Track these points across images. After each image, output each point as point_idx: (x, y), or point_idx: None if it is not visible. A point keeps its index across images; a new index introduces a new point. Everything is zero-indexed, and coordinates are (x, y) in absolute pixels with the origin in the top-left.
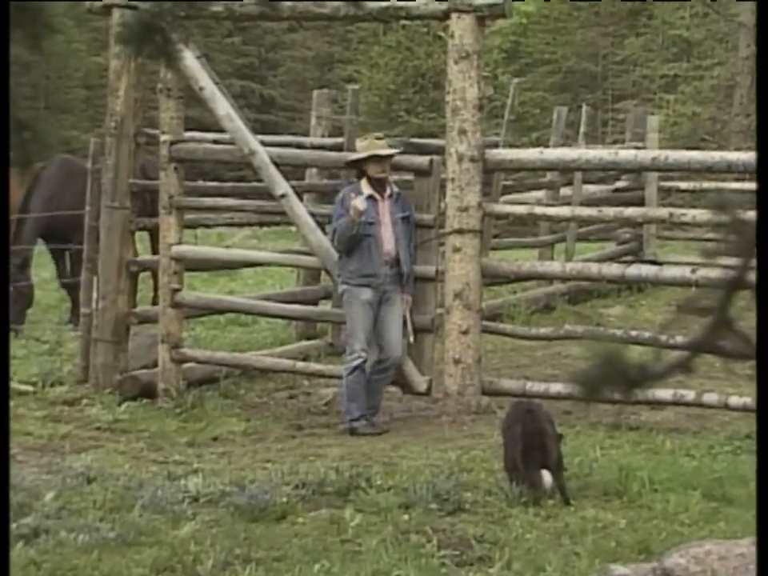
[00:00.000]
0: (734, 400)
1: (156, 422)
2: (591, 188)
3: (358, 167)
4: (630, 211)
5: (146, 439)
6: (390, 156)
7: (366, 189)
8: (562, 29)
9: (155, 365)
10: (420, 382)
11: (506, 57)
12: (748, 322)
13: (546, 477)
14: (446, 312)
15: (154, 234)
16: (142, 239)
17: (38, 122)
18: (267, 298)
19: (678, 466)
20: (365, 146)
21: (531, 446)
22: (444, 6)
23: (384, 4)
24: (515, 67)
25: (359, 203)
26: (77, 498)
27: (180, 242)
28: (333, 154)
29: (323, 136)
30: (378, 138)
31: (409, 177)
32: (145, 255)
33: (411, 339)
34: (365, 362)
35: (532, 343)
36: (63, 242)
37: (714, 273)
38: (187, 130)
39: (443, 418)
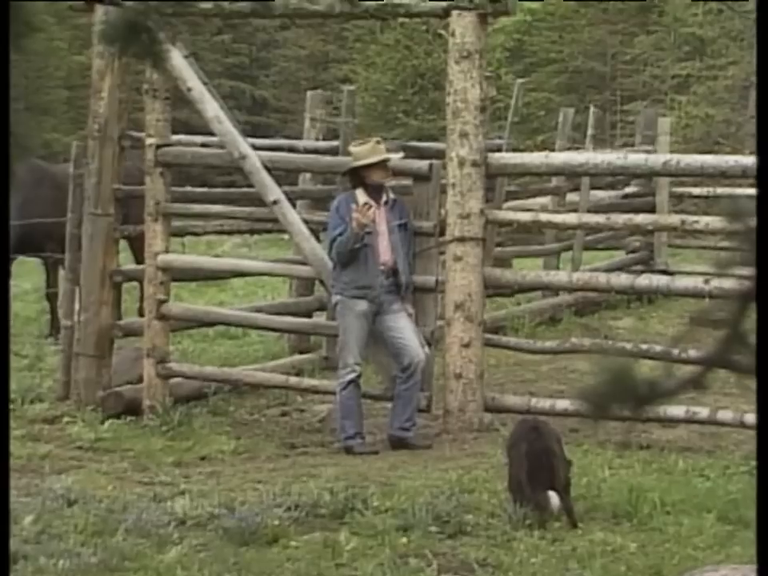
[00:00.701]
0: (750, 417)
1: (141, 441)
2: (599, 194)
3: (357, 174)
4: (640, 218)
5: (130, 459)
6: (387, 162)
7: (362, 196)
8: (568, 26)
9: (140, 380)
10: (419, 399)
11: (510, 56)
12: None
13: (553, 498)
14: (447, 324)
15: (135, 242)
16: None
17: (17, 125)
18: (258, 310)
19: (692, 487)
20: (367, 151)
21: (537, 465)
22: (444, 2)
23: (381, 1)
24: (519, 67)
25: (363, 216)
26: (57, 522)
27: (167, 251)
28: (327, 158)
29: (317, 139)
30: (378, 143)
31: (407, 182)
32: (129, 265)
33: (426, 350)
34: (359, 376)
35: (537, 357)
36: (36, 252)
37: (728, 283)
38: (174, 132)
39: (444, 436)
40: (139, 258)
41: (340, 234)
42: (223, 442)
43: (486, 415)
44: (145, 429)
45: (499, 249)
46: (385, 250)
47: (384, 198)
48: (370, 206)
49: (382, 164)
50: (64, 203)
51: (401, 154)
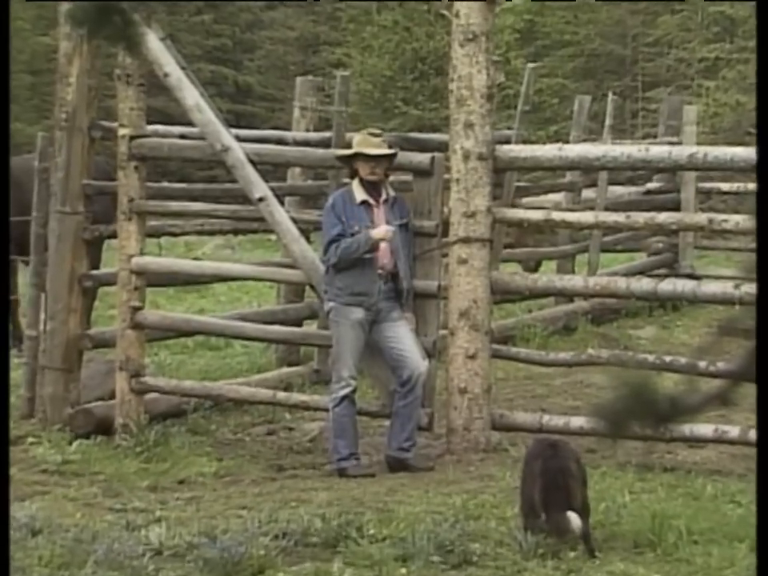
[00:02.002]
0: None
1: (113, 464)
2: (618, 190)
3: (350, 165)
4: (664, 217)
5: (100, 483)
6: (386, 156)
7: (359, 192)
8: (584, 5)
9: (112, 396)
10: (420, 416)
11: (520, 38)
12: None
13: (574, 519)
14: (450, 334)
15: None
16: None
17: None
18: (243, 318)
19: (721, 514)
20: (358, 141)
21: (553, 485)
22: None
23: None
24: (530, 50)
25: (384, 233)
26: (20, 554)
27: (141, 253)
28: (319, 151)
29: (308, 130)
30: (374, 135)
31: (407, 177)
32: (106, 268)
33: (427, 362)
34: (354, 391)
35: (549, 370)
36: None
37: None
38: (149, 122)
39: (447, 457)
40: (96, 262)
41: (339, 236)
42: (204, 463)
43: (494, 434)
44: (117, 450)
45: (508, 251)
46: (383, 252)
47: (383, 196)
48: (394, 231)
49: (364, 157)
50: (24, 200)
51: (392, 150)
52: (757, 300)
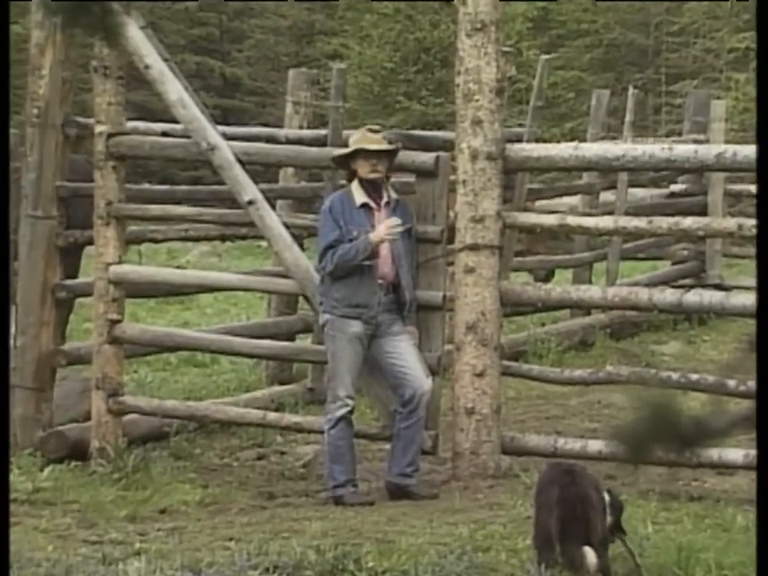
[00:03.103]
0: None
1: (88, 491)
2: (640, 193)
3: (348, 166)
4: (689, 222)
5: (74, 513)
6: (388, 153)
7: (359, 194)
8: None
9: (88, 418)
10: (423, 438)
11: (533, 27)
12: None
13: (589, 555)
14: (457, 349)
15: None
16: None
17: None
18: (231, 332)
19: (754, 547)
20: (356, 138)
21: (570, 515)
22: None
23: None
24: (544, 40)
25: (384, 233)
26: None
27: (120, 261)
28: (314, 150)
29: (301, 127)
30: (373, 131)
31: (409, 179)
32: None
33: (432, 380)
34: (351, 411)
35: (565, 389)
36: None
37: None
38: (129, 118)
39: (453, 484)
40: (74, 271)
41: (336, 241)
42: (187, 491)
43: (504, 458)
44: (93, 476)
45: (519, 259)
46: (384, 260)
47: (385, 198)
48: (397, 223)
49: (365, 154)
50: None
51: (394, 146)
52: (757, 302)
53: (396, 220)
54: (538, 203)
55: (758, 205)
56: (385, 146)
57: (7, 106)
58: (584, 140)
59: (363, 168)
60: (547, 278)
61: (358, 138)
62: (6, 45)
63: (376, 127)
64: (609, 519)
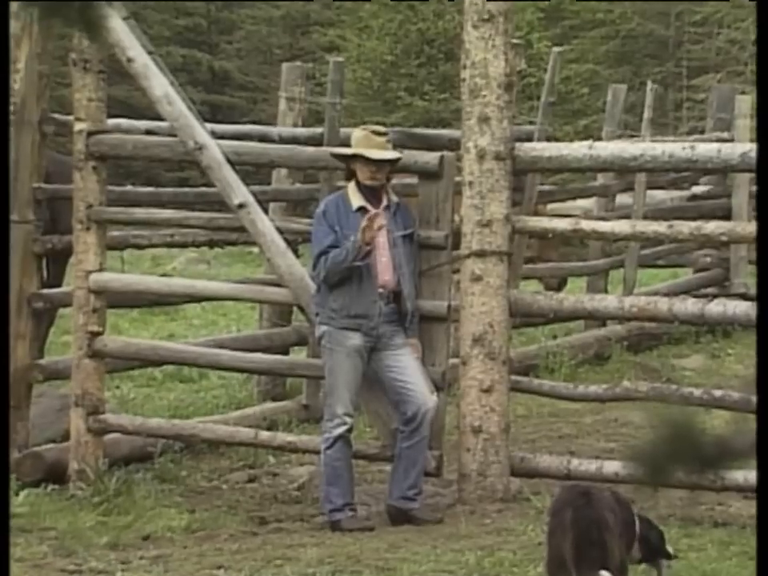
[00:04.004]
0: None
1: (66, 517)
2: (659, 195)
3: (347, 164)
4: (713, 227)
5: (51, 541)
6: (390, 160)
7: (356, 197)
8: None
9: (66, 437)
10: (427, 459)
11: (544, 17)
12: None
13: None
14: (462, 363)
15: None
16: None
17: None
18: (220, 345)
19: None
20: (359, 139)
21: (586, 539)
22: None
23: None
24: (556, 31)
25: (371, 229)
26: None
27: (101, 269)
28: (309, 150)
29: (296, 125)
30: (378, 133)
31: (412, 180)
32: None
33: (436, 397)
34: (349, 430)
35: (578, 406)
36: None
37: None
38: (111, 116)
39: (458, 508)
40: (59, 278)
41: (331, 247)
42: (173, 516)
43: (513, 481)
44: (71, 501)
45: (529, 266)
46: (385, 267)
47: (384, 202)
48: (377, 214)
49: (372, 163)
50: None
51: (398, 155)
52: (758, 306)
53: (378, 212)
54: (550, 206)
55: (758, 205)
56: (387, 155)
57: (7, 106)
58: (599, 138)
59: (362, 173)
60: (559, 286)
61: (360, 140)
62: (6, 45)
63: (381, 129)
64: (638, 545)
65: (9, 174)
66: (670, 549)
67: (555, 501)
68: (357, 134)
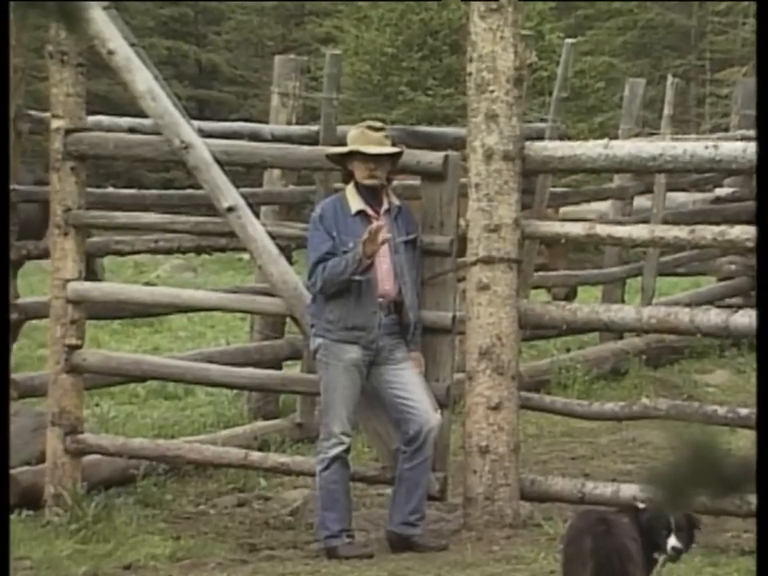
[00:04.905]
0: None
1: (41, 545)
2: (680, 198)
3: (344, 165)
4: (737, 231)
5: (26, 571)
6: (390, 156)
7: (355, 200)
8: None
9: (42, 459)
10: (430, 482)
11: (556, 7)
12: None
13: None
14: (469, 378)
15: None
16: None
17: None
18: (207, 359)
19: None
20: (355, 137)
21: (606, 570)
22: None
23: None
24: (569, 21)
25: (374, 242)
26: None
27: (80, 277)
28: (303, 149)
29: (289, 122)
30: (373, 128)
31: (414, 181)
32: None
33: (440, 414)
34: (347, 450)
35: (593, 425)
36: None
37: None
38: (90, 112)
39: (464, 534)
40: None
41: (328, 254)
42: (157, 543)
43: (524, 505)
44: (47, 527)
45: (540, 274)
46: (385, 275)
47: (385, 205)
48: (380, 227)
49: (370, 160)
50: None
51: (398, 149)
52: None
53: (382, 224)
54: (563, 210)
55: (758, 206)
56: (386, 150)
57: (7, 106)
58: (615, 137)
59: (360, 172)
60: (567, 297)
61: (356, 137)
62: (6, 45)
63: (377, 124)
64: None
65: (8, 175)
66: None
67: (571, 527)
68: (352, 132)
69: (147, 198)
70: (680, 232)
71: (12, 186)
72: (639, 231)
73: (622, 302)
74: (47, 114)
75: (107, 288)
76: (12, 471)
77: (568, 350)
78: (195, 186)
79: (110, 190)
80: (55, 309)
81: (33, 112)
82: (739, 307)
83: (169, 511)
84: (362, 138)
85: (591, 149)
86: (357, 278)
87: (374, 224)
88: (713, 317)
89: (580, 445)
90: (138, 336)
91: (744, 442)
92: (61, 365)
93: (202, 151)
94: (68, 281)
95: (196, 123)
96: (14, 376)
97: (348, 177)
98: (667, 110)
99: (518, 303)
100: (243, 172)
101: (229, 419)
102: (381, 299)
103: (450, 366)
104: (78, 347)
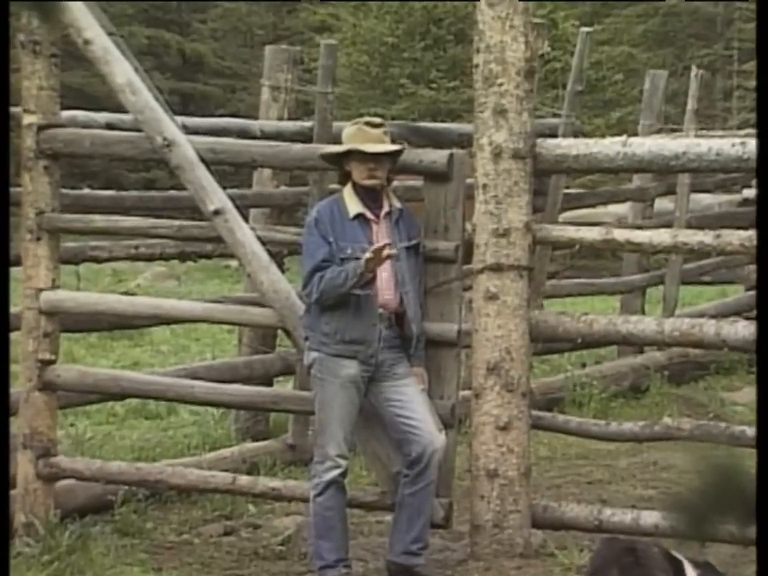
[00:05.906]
0: None
1: None
2: (705, 200)
3: (341, 165)
4: None
5: None
6: (390, 155)
7: (353, 203)
8: None
9: (12, 484)
10: (434, 508)
11: None
12: None
13: None
14: (476, 396)
15: None
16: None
17: None
18: (192, 375)
19: None
20: (351, 135)
21: None
22: None
23: None
24: (585, 9)
25: (378, 260)
26: None
27: (54, 286)
28: (297, 147)
29: (281, 118)
30: (372, 125)
31: (416, 182)
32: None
33: (444, 435)
34: (343, 474)
35: (611, 446)
36: None
37: None
38: (65, 107)
39: (471, 564)
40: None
41: (325, 261)
42: (136, 575)
43: (535, 533)
44: (18, 559)
45: (553, 282)
46: (385, 285)
47: (385, 208)
48: (385, 245)
49: (369, 159)
50: None
51: (399, 146)
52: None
53: (388, 242)
54: (577, 213)
55: (758, 207)
56: (385, 148)
57: (7, 106)
58: (635, 133)
59: (358, 172)
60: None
61: (353, 134)
62: (6, 44)
63: (376, 120)
64: None
65: (8, 175)
66: None
67: (596, 558)
68: (348, 129)
69: (127, 200)
70: (705, 237)
71: None
72: (660, 236)
73: (642, 313)
74: (18, 109)
75: (83, 298)
76: None
77: (583, 365)
78: (179, 186)
79: (87, 191)
80: (27, 321)
81: None
82: None
83: (150, 541)
84: (360, 136)
85: (608, 147)
86: (357, 291)
87: (379, 243)
88: (740, 329)
89: (596, 468)
90: (116, 350)
91: None
92: (33, 382)
93: (186, 149)
94: (41, 290)
95: (179, 119)
96: None
97: (345, 177)
98: (691, 104)
99: (529, 314)
100: (231, 172)
101: (215, 440)
102: (381, 310)
103: (455, 383)
104: (52, 362)
